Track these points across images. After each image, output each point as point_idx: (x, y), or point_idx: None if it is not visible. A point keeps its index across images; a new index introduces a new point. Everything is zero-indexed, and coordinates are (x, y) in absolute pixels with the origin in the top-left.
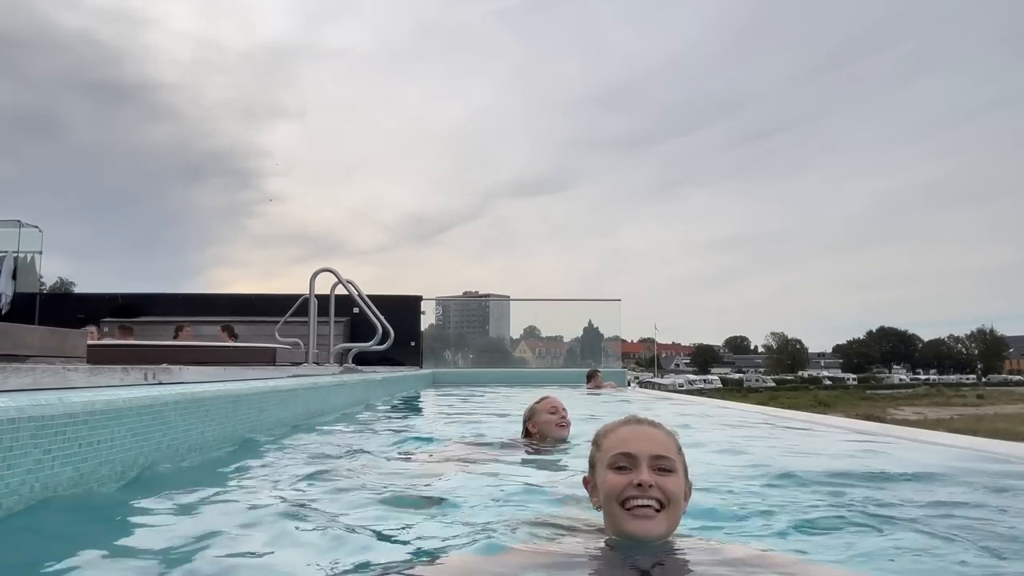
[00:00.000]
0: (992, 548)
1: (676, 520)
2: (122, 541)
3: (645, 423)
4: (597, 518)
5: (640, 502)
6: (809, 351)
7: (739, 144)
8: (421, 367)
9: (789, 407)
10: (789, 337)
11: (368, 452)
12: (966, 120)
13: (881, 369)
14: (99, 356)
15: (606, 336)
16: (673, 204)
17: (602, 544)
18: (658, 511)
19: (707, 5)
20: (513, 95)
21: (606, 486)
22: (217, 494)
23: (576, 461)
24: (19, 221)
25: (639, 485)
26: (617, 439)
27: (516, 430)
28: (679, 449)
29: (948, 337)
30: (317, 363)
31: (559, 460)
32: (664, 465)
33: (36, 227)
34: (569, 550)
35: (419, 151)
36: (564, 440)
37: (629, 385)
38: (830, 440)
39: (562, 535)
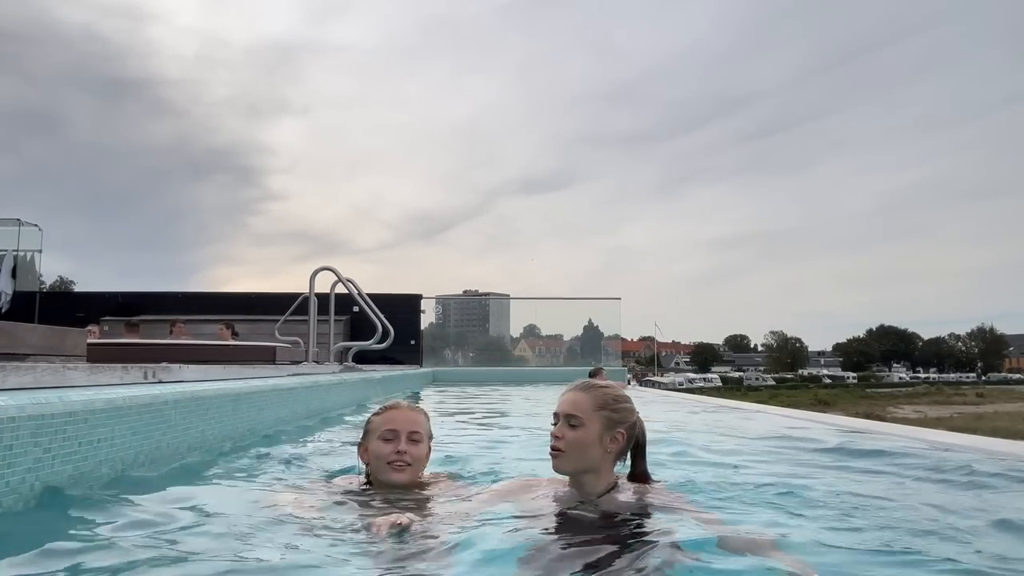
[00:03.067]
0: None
1: (580, 460)
2: (122, 540)
3: (575, 390)
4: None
5: (553, 445)
6: (809, 349)
7: (745, 141)
8: (421, 366)
9: (789, 406)
10: (789, 335)
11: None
12: (973, 118)
13: (881, 368)
14: (99, 355)
15: (606, 335)
16: (677, 202)
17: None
18: (562, 452)
19: (714, 1)
20: (518, 91)
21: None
22: (217, 493)
23: None
24: (19, 220)
25: (553, 436)
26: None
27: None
28: (599, 407)
29: (948, 336)
30: (317, 362)
31: None
32: (572, 422)
33: (36, 225)
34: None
35: (423, 148)
36: (403, 487)
37: (629, 384)
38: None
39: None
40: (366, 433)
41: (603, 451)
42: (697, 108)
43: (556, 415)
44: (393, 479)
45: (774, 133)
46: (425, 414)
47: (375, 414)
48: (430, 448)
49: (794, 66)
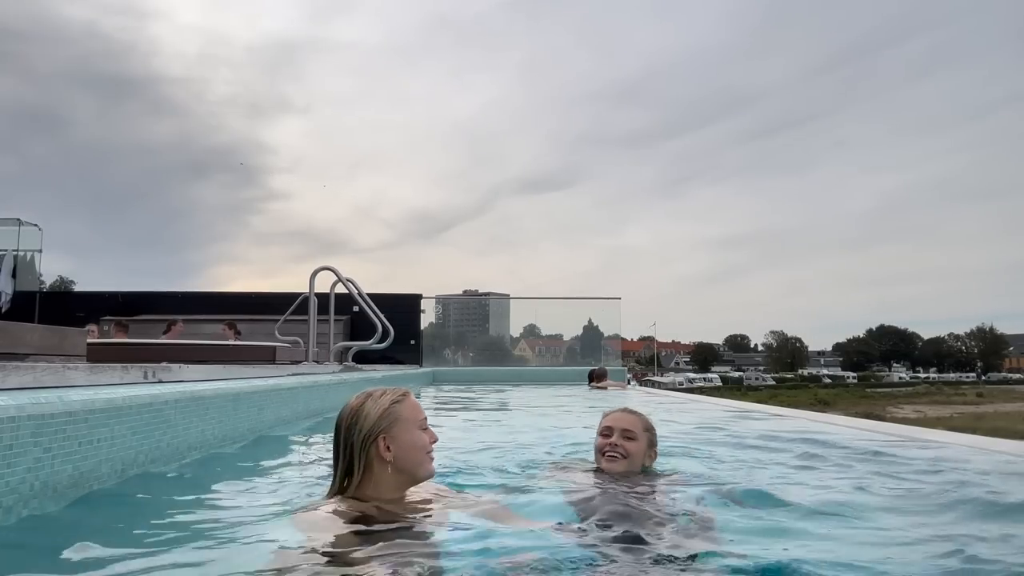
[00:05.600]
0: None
1: (631, 465)
2: (121, 539)
3: (627, 412)
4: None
5: (610, 452)
6: (809, 349)
7: (746, 141)
8: (421, 365)
9: (789, 405)
10: (789, 335)
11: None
12: (977, 117)
13: (881, 367)
14: (99, 354)
15: (606, 334)
16: (679, 201)
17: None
18: (624, 458)
19: (717, 1)
20: (520, 90)
21: (597, 443)
22: (217, 492)
23: None
24: (19, 219)
25: (611, 444)
26: (607, 420)
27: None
28: (645, 428)
29: (948, 335)
30: (317, 361)
31: None
32: (629, 435)
33: (36, 225)
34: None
35: (424, 147)
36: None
37: (629, 384)
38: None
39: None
40: (392, 423)
41: (643, 463)
42: (699, 107)
43: (610, 429)
44: (431, 471)
45: (776, 133)
46: None
47: (395, 402)
48: None
49: (796, 66)
